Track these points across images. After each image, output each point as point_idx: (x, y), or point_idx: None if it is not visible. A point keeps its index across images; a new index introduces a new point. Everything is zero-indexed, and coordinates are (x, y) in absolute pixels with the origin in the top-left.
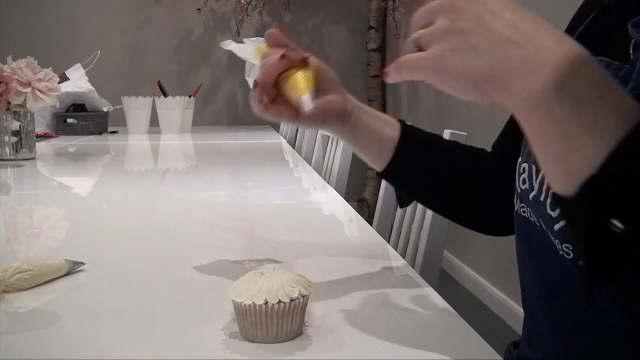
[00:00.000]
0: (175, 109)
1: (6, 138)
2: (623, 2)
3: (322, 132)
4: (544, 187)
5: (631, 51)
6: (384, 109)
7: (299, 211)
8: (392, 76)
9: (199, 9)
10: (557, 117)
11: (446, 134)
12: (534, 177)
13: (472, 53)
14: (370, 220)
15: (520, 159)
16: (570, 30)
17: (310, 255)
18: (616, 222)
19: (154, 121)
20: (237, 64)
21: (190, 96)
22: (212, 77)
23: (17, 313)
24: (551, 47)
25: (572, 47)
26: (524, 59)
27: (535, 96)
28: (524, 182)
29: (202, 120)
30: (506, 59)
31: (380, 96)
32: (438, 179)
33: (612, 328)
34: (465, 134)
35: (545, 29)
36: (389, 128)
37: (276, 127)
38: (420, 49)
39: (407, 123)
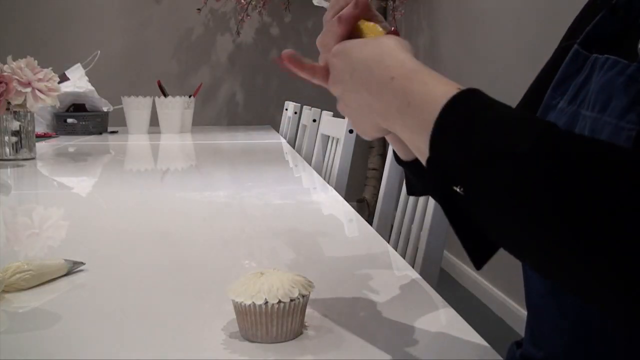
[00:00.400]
0: (175, 109)
1: (6, 138)
2: (631, 3)
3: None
4: None
5: (639, 49)
6: None
7: (299, 211)
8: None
9: (199, 9)
10: (401, 134)
11: None
12: None
13: (355, 113)
14: (370, 220)
15: None
16: (573, 30)
17: (310, 255)
18: (457, 189)
19: (154, 121)
20: (237, 64)
21: (190, 96)
22: (212, 77)
23: (17, 313)
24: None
25: (375, 78)
26: (368, 101)
27: (387, 128)
28: None
29: (202, 120)
30: (371, 112)
31: None
32: None
33: (615, 325)
34: None
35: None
36: None
37: (276, 127)
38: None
39: None
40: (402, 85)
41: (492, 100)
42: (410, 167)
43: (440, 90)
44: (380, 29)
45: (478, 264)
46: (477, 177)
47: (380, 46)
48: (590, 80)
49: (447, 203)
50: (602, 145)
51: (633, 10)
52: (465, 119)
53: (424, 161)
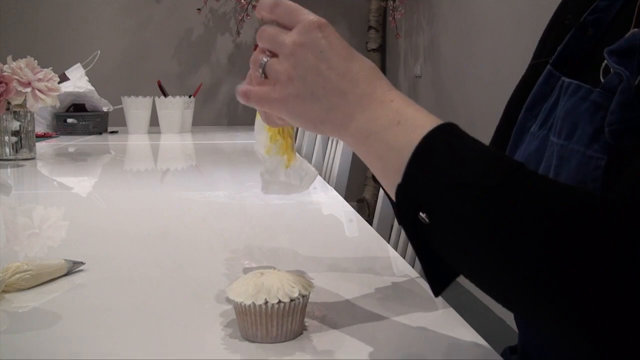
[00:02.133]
0: (175, 109)
1: (6, 138)
2: (599, 20)
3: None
4: None
5: (601, 76)
6: None
7: (299, 211)
8: (241, 100)
9: (199, 9)
10: (372, 147)
11: None
12: None
13: (311, 99)
14: (370, 220)
15: None
16: (541, 48)
17: (310, 255)
18: (423, 215)
19: (154, 121)
20: (237, 64)
21: (190, 96)
22: (212, 77)
23: (17, 313)
24: (365, 96)
25: (376, 96)
26: (347, 109)
27: (354, 137)
28: None
29: (202, 120)
30: (336, 107)
31: None
32: None
33: None
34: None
35: (366, 77)
36: None
37: None
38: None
39: None
40: (398, 106)
41: (469, 137)
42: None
43: (429, 118)
44: None
45: (436, 291)
46: (443, 204)
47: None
48: (558, 104)
49: (411, 229)
50: (567, 190)
51: (601, 26)
52: (443, 148)
53: (388, 184)
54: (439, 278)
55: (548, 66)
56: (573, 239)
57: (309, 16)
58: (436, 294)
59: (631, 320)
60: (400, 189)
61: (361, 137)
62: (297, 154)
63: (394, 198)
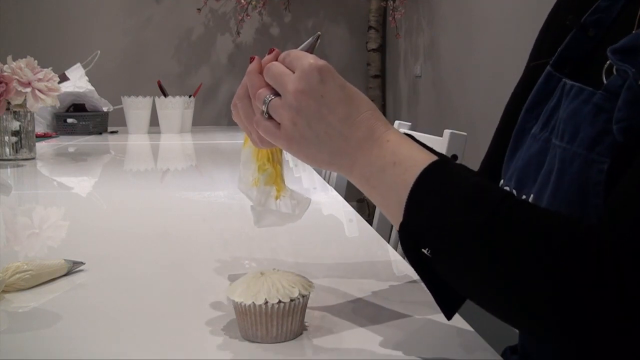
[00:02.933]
0: (175, 109)
1: (6, 138)
2: (600, 21)
3: None
4: None
5: (604, 77)
6: (384, 109)
7: None
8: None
9: (199, 9)
10: (374, 188)
11: (446, 134)
12: None
13: (316, 143)
14: (370, 220)
15: (502, 181)
16: (539, 49)
17: (310, 255)
18: (425, 251)
19: (154, 121)
20: (237, 64)
21: (190, 96)
22: (212, 77)
23: (17, 313)
24: (365, 139)
25: (375, 138)
26: (349, 152)
27: (359, 179)
28: None
29: (202, 120)
30: (339, 151)
31: (380, 96)
32: None
33: None
34: (465, 134)
35: (366, 120)
36: None
37: None
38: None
39: None
40: (394, 147)
41: (460, 170)
42: None
43: (422, 157)
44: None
45: (448, 314)
46: (442, 241)
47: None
48: (560, 105)
49: (417, 262)
50: (552, 216)
51: (602, 27)
52: (436, 186)
53: (393, 220)
54: (449, 302)
55: (548, 67)
56: (559, 263)
57: (309, 60)
58: (449, 317)
59: (625, 331)
60: (402, 227)
61: (364, 179)
62: (285, 184)
63: (397, 229)
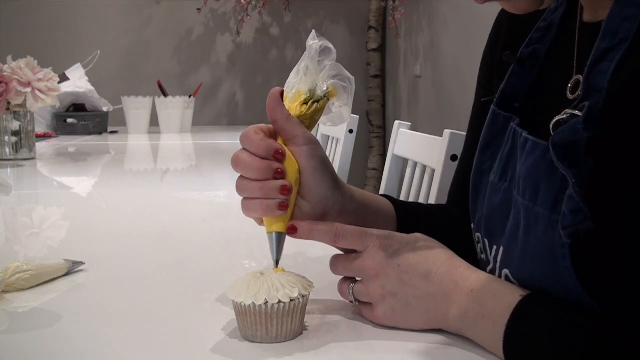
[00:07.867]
0: (175, 109)
1: (6, 138)
2: (536, 52)
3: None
4: (498, 265)
5: (552, 128)
6: (384, 109)
7: None
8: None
9: (199, 9)
10: (470, 337)
11: (446, 134)
12: (489, 251)
13: (408, 309)
14: None
15: (472, 224)
16: (483, 86)
17: (310, 255)
18: None
19: (154, 121)
20: (237, 64)
21: (190, 96)
22: (212, 77)
23: (17, 313)
24: (450, 292)
25: (459, 289)
26: (440, 307)
27: (453, 330)
28: (481, 252)
29: (202, 120)
30: (431, 309)
31: (380, 96)
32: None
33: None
34: (465, 134)
35: (444, 273)
36: (382, 207)
37: None
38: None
39: (393, 198)
40: (479, 296)
41: (542, 313)
42: None
43: (507, 301)
44: (294, 160)
45: None
46: None
47: (440, 256)
48: (515, 154)
49: None
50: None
51: (539, 57)
52: (525, 334)
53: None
54: None
55: (492, 106)
56: None
57: (371, 237)
58: None
59: None
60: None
61: (458, 331)
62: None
63: None
